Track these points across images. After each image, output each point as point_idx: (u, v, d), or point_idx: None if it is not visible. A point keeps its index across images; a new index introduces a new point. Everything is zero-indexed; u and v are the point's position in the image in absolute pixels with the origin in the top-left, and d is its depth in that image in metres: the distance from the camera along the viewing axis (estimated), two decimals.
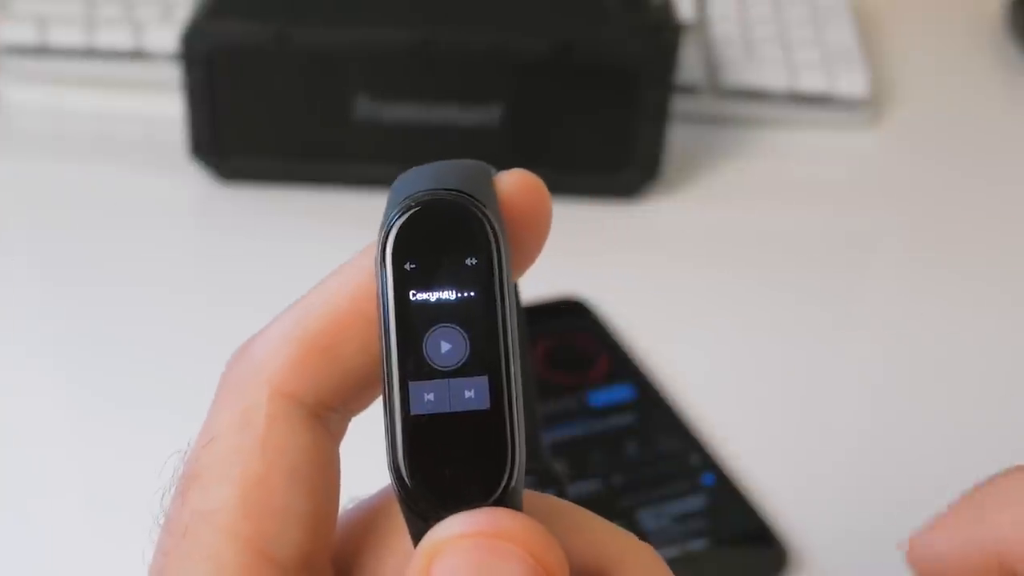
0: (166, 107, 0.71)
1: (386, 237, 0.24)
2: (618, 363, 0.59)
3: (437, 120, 0.67)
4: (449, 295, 0.23)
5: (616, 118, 0.67)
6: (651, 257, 0.68)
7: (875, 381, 0.62)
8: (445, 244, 0.24)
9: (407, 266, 0.24)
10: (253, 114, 0.67)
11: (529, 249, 0.25)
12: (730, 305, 0.65)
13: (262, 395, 0.24)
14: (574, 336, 0.60)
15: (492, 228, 0.24)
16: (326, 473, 0.25)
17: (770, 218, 0.71)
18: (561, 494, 0.31)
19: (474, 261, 0.23)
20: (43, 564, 0.51)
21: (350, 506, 0.27)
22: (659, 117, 0.67)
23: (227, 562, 0.23)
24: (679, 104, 0.72)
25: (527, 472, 0.24)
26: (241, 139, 0.68)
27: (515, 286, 0.25)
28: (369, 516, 0.26)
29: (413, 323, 0.23)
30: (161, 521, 0.25)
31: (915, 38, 0.85)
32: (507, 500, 0.23)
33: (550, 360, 0.58)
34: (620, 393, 0.57)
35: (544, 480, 0.39)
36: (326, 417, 0.25)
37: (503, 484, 0.23)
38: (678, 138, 0.72)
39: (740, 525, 0.52)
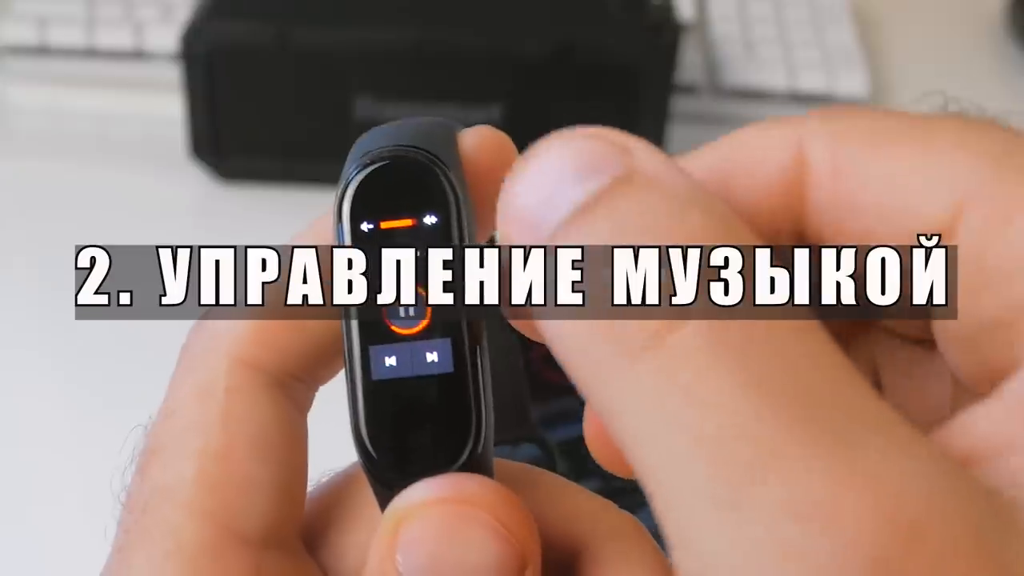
0: (166, 107, 0.71)
1: (342, 195, 0.23)
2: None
3: None
4: (407, 254, 0.22)
5: (616, 118, 0.67)
6: None
7: None
8: (403, 202, 0.22)
9: (364, 226, 0.23)
10: (253, 114, 0.67)
11: (494, 207, 0.23)
12: None
13: (221, 366, 0.23)
14: None
15: (451, 185, 0.22)
16: (291, 444, 0.24)
17: None
18: (551, 467, 0.30)
19: (433, 220, 0.22)
20: (43, 564, 0.51)
21: (322, 480, 0.26)
22: (659, 117, 0.67)
23: (188, 538, 0.22)
24: (679, 104, 0.72)
25: (514, 440, 0.23)
26: (241, 139, 0.68)
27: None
28: (338, 489, 0.25)
29: (372, 282, 0.22)
30: (122, 498, 0.24)
31: (915, 38, 0.85)
32: (474, 466, 0.22)
33: (550, 360, 0.58)
34: None
35: (531, 449, 0.38)
36: (290, 387, 0.24)
37: (468, 450, 0.22)
38: (678, 138, 0.72)
39: None
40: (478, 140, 0.24)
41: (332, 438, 0.27)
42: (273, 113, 0.68)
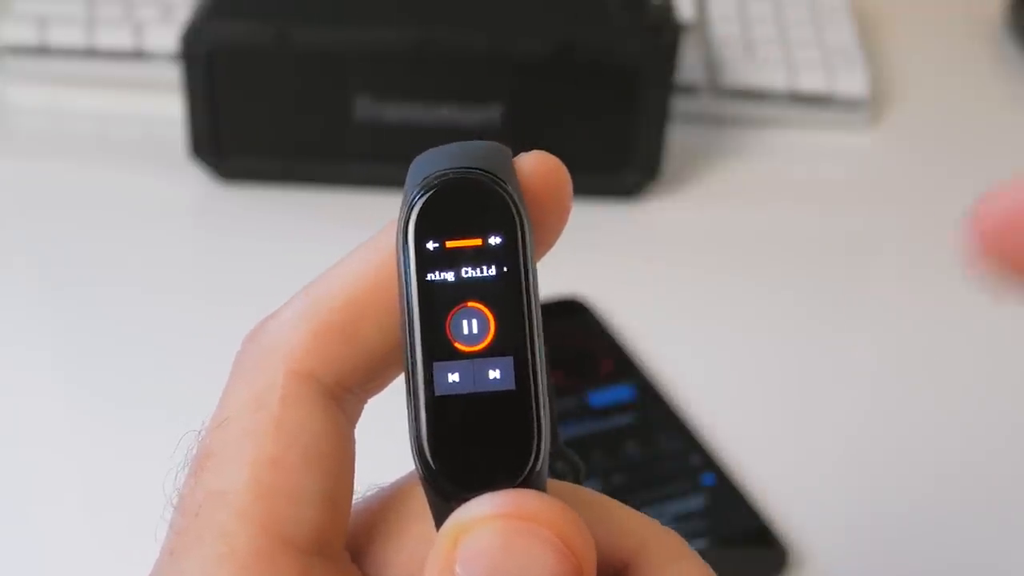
0: (166, 107, 0.71)
1: (407, 216, 0.23)
2: (618, 363, 0.59)
3: (437, 120, 0.67)
4: (473, 274, 0.23)
5: (616, 118, 0.67)
6: (651, 257, 0.68)
7: (875, 381, 0.62)
8: (468, 223, 0.23)
9: (429, 245, 0.23)
10: (253, 114, 0.67)
11: (550, 229, 0.25)
12: (730, 305, 0.65)
13: (277, 375, 0.24)
14: (574, 336, 0.60)
15: (515, 206, 0.23)
16: (341, 455, 0.24)
17: (769, 218, 0.71)
18: (578, 483, 0.30)
19: (498, 240, 0.23)
20: (42, 564, 0.51)
21: (368, 494, 0.26)
22: (659, 117, 0.67)
23: (240, 543, 0.23)
24: (679, 104, 0.72)
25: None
26: (241, 139, 0.68)
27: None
28: (385, 503, 0.25)
29: (436, 303, 0.23)
30: (174, 501, 0.25)
31: (915, 38, 0.85)
32: (532, 482, 0.23)
33: (550, 360, 0.58)
34: (620, 393, 0.57)
35: (563, 468, 0.39)
36: (342, 398, 0.24)
37: (529, 466, 0.23)
38: (678, 138, 0.72)
39: (740, 525, 0.52)
40: (534, 164, 0.24)
41: (377, 452, 0.27)
42: (273, 113, 0.68)
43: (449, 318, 0.23)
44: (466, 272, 0.23)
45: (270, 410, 0.24)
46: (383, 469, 0.27)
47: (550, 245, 0.25)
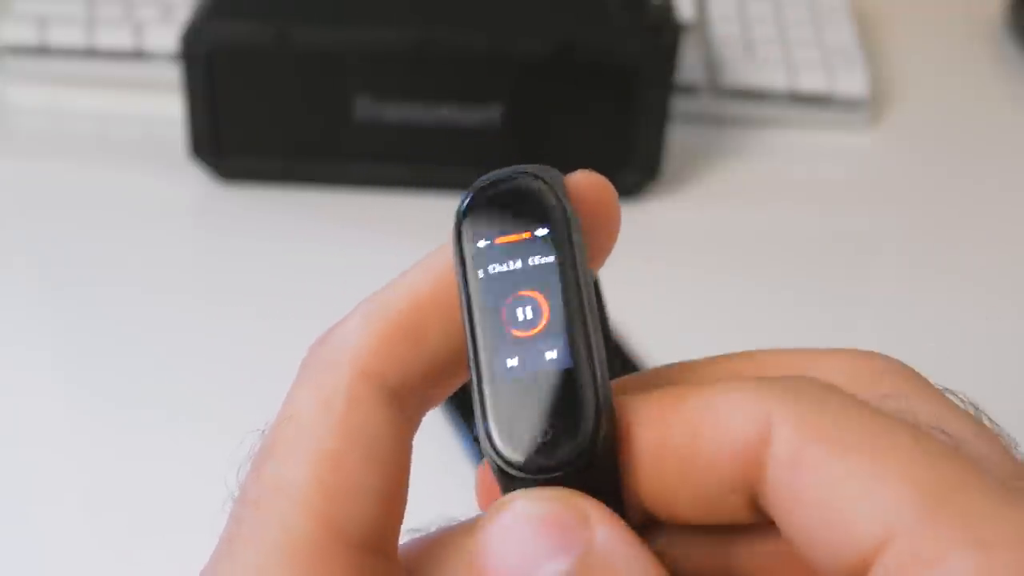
0: (166, 107, 0.71)
1: (458, 219, 0.25)
2: (618, 363, 0.59)
3: (437, 120, 0.67)
4: (523, 264, 0.24)
5: (616, 118, 0.67)
6: (651, 257, 0.68)
7: None
8: (515, 218, 0.25)
9: (480, 244, 0.25)
10: (253, 114, 0.67)
11: (601, 246, 0.26)
12: (730, 305, 0.65)
13: (343, 376, 0.25)
14: None
15: (558, 197, 0.25)
16: (399, 458, 0.25)
17: (769, 218, 0.71)
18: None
19: (544, 230, 0.24)
20: (42, 564, 0.51)
21: (406, 539, 0.26)
22: (659, 117, 0.67)
23: (300, 534, 0.23)
24: (679, 104, 0.72)
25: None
26: (241, 139, 0.68)
27: (593, 275, 0.25)
28: (451, 539, 0.26)
29: (491, 296, 0.24)
30: (236, 493, 0.25)
31: (915, 38, 0.85)
32: (598, 451, 0.23)
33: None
34: None
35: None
36: (406, 401, 0.25)
37: (592, 438, 0.23)
38: (678, 138, 0.72)
39: None
40: (583, 177, 0.26)
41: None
42: (273, 113, 0.68)
43: (504, 308, 0.24)
44: (517, 263, 0.24)
45: (335, 409, 0.24)
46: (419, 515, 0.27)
47: (601, 262, 0.26)
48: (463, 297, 0.24)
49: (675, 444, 0.23)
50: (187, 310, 0.62)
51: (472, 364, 0.24)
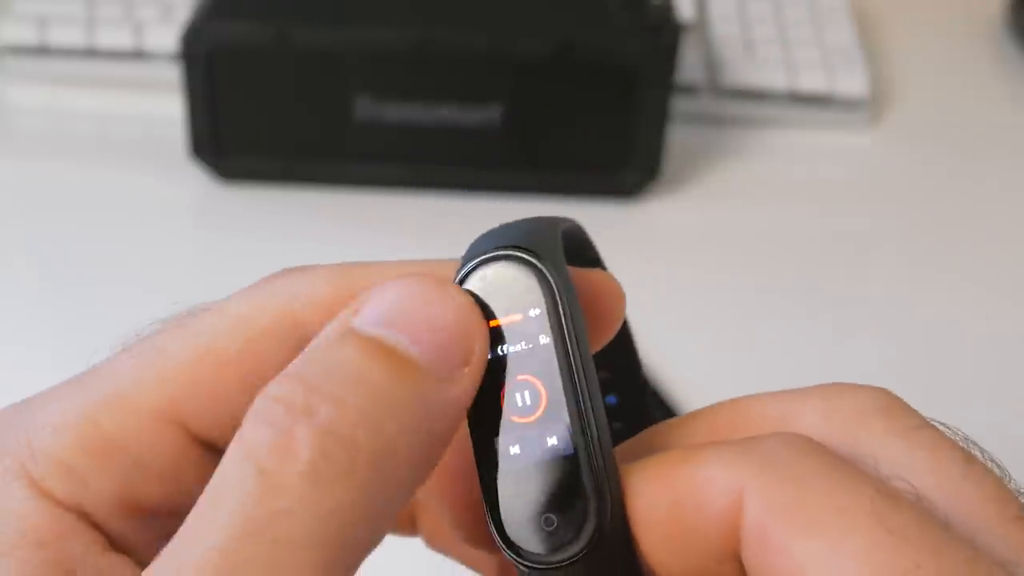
0: (166, 107, 0.71)
1: None
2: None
3: (437, 120, 0.67)
4: (518, 348, 0.24)
5: (616, 118, 0.67)
6: (651, 257, 0.68)
7: (874, 381, 0.62)
8: (507, 301, 0.24)
9: None
10: (253, 114, 0.67)
11: (597, 337, 0.25)
12: (729, 305, 0.65)
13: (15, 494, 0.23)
14: None
15: (550, 277, 0.24)
16: None
17: (769, 218, 0.71)
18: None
19: (537, 311, 0.24)
20: None
21: None
22: (659, 117, 0.67)
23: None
24: (679, 104, 0.72)
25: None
26: (241, 139, 0.68)
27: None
28: None
29: (489, 381, 0.24)
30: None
31: (915, 38, 0.85)
32: (607, 536, 0.23)
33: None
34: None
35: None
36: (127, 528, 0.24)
37: (598, 521, 0.23)
38: (678, 138, 0.72)
39: None
40: (595, 277, 0.26)
41: None
42: (273, 113, 0.68)
43: (503, 393, 0.24)
44: (512, 347, 0.24)
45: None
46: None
47: (598, 346, 0.26)
48: None
49: (661, 518, 0.23)
50: None
51: (476, 455, 0.24)
